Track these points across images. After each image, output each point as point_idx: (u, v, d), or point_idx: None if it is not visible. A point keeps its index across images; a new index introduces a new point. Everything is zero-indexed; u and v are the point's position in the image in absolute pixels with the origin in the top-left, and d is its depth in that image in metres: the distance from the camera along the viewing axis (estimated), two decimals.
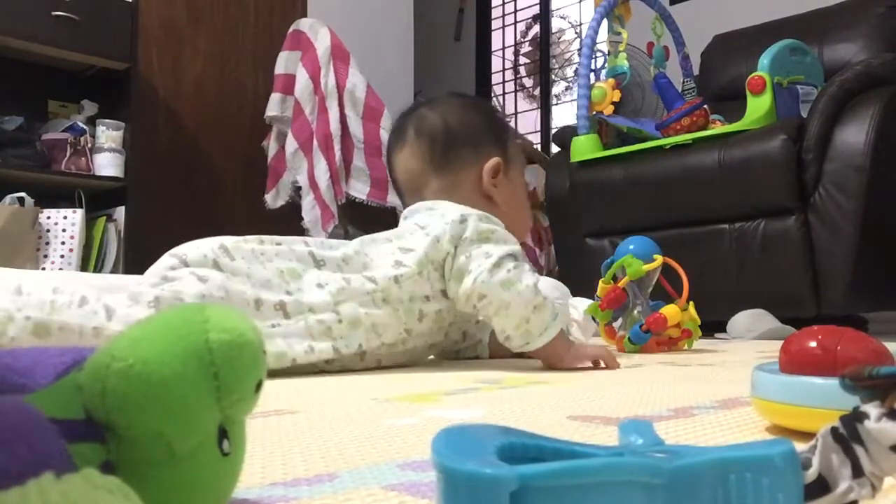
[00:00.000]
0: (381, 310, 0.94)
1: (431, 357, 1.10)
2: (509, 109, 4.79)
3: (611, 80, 2.35)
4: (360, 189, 2.46)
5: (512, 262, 0.94)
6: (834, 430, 0.24)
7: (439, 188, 1.09)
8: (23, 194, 2.28)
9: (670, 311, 1.25)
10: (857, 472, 0.24)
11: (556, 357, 0.95)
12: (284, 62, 2.57)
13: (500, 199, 1.12)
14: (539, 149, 4.17)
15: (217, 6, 2.93)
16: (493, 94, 4.76)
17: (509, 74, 4.84)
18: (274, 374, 0.88)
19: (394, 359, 0.99)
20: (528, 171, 1.25)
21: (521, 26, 4.81)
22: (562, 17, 4.69)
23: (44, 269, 2.25)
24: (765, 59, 2.09)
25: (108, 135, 2.48)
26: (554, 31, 4.70)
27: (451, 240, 0.96)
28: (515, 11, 4.80)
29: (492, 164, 1.11)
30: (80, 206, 2.42)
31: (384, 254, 0.98)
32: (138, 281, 0.89)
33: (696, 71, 2.74)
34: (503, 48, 4.84)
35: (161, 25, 2.78)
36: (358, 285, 0.94)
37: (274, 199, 2.59)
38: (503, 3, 4.83)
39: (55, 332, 0.78)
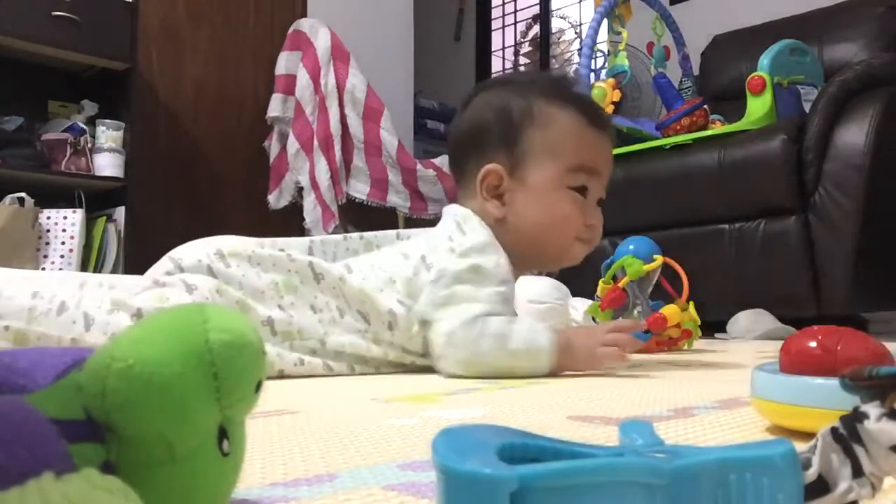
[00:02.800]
0: (370, 349, 0.90)
1: None
2: None
3: (611, 80, 2.36)
4: (360, 189, 2.46)
5: (467, 331, 0.84)
6: (834, 430, 0.24)
7: (460, 198, 1.02)
8: (23, 194, 2.28)
9: (670, 311, 1.25)
10: (857, 472, 0.24)
11: (565, 368, 0.88)
12: (285, 62, 2.57)
13: (512, 215, 0.95)
14: None
15: (217, 6, 2.93)
16: None
17: None
18: (275, 374, 0.88)
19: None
20: (596, 142, 0.97)
21: (521, 26, 4.81)
22: (562, 17, 4.69)
23: (44, 268, 2.25)
24: (765, 59, 2.10)
25: (108, 135, 2.48)
26: (554, 31, 4.70)
27: (431, 305, 0.89)
28: (515, 11, 4.80)
29: (482, 175, 0.96)
30: (80, 207, 2.42)
31: (383, 280, 0.91)
32: (137, 283, 0.89)
33: (696, 71, 2.75)
34: (503, 48, 4.84)
35: (161, 25, 2.78)
36: (350, 321, 0.90)
37: (277, 199, 2.60)
38: (503, 3, 4.83)
39: (33, 342, 0.78)
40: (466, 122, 1.00)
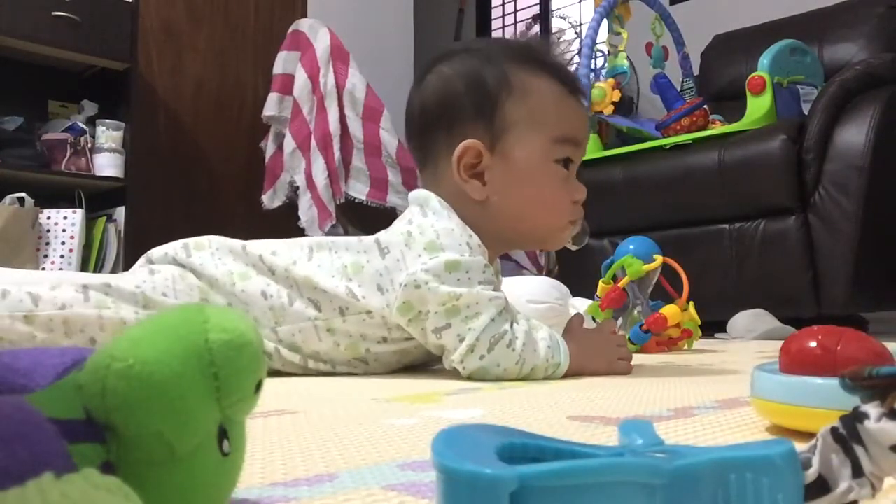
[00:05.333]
0: (322, 341, 0.88)
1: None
2: None
3: (611, 80, 2.36)
4: (359, 189, 2.46)
5: (487, 342, 0.80)
6: (834, 430, 0.24)
7: (426, 184, 0.93)
8: (23, 194, 2.28)
9: (670, 311, 1.25)
10: (857, 472, 0.24)
11: (577, 371, 0.87)
12: (283, 62, 2.57)
13: (495, 195, 0.86)
14: None
15: (217, 6, 2.93)
16: None
17: None
18: (274, 374, 0.88)
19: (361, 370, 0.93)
20: (571, 110, 0.91)
21: (521, 26, 4.81)
22: (562, 17, 4.68)
23: (44, 268, 2.25)
24: (765, 59, 2.10)
25: (108, 135, 2.48)
26: (554, 31, 4.70)
27: (402, 310, 0.83)
28: (515, 11, 4.80)
29: (459, 152, 0.86)
30: (80, 206, 2.42)
31: (337, 267, 0.88)
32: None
33: (696, 71, 2.75)
34: None
35: (161, 25, 2.78)
36: (300, 308, 0.87)
37: (271, 199, 2.59)
38: (503, 3, 4.83)
39: None
40: (431, 95, 0.90)
